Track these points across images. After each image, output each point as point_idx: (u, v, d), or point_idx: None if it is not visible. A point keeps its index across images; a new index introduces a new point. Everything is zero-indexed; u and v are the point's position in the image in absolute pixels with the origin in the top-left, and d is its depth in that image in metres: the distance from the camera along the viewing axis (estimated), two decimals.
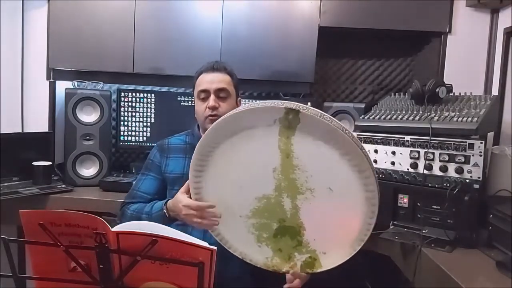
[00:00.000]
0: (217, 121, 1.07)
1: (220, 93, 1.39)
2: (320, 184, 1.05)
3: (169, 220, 1.27)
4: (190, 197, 1.20)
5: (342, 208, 1.05)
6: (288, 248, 1.14)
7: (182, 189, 1.23)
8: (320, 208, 1.06)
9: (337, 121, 0.99)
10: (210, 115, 1.36)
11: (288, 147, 1.02)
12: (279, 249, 1.15)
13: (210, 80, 1.40)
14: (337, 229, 1.08)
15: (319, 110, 0.98)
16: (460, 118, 1.38)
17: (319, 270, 1.14)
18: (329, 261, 1.12)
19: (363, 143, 1.55)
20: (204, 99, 1.39)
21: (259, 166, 1.07)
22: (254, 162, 1.07)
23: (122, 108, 2.14)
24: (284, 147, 1.02)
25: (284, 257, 1.16)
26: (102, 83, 2.12)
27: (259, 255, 1.18)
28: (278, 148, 1.02)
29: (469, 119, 1.36)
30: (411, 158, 1.44)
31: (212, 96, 1.38)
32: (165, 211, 1.28)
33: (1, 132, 1.94)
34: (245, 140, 1.05)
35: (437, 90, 1.49)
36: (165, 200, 1.31)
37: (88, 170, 2.00)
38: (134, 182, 1.52)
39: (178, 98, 2.15)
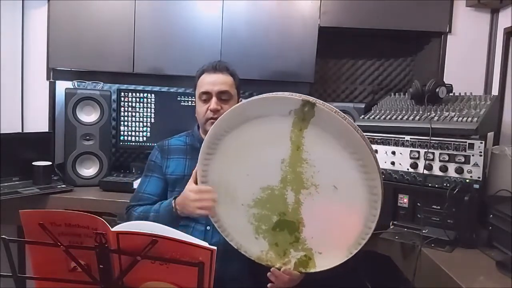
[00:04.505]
0: (234, 106, 1.08)
1: (222, 96, 1.38)
2: (326, 181, 1.04)
3: (176, 216, 1.25)
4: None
5: (344, 208, 1.05)
6: (285, 243, 1.14)
7: (191, 178, 1.23)
8: (322, 205, 1.06)
9: (350, 120, 0.99)
10: (212, 118, 1.36)
11: (300, 139, 1.02)
12: (276, 243, 1.15)
13: (212, 82, 1.38)
14: (336, 229, 1.08)
15: (334, 107, 0.98)
16: (460, 118, 1.38)
17: (312, 271, 1.13)
18: (323, 262, 1.12)
19: None
20: (206, 101, 1.39)
21: (268, 156, 1.07)
22: (263, 151, 1.08)
23: (122, 108, 2.14)
24: (296, 139, 1.03)
25: (279, 252, 1.16)
26: (102, 83, 2.12)
27: (255, 247, 1.18)
28: (289, 139, 1.03)
29: (469, 119, 1.36)
30: (411, 158, 1.44)
31: (214, 99, 1.37)
32: (173, 205, 1.27)
33: (1, 132, 1.94)
34: (258, 128, 1.05)
35: (437, 90, 1.49)
36: (174, 196, 1.30)
37: (88, 170, 2.00)
38: (137, 185, 1.51)
39: (178, 98, 2.15)
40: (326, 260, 1.11)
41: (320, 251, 1.12)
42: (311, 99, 0.98)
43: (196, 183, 1.20)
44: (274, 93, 1.03)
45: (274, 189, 1.10)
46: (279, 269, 1.15)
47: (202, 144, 1.14)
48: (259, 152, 1.08)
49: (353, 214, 1.04)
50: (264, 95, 1.04)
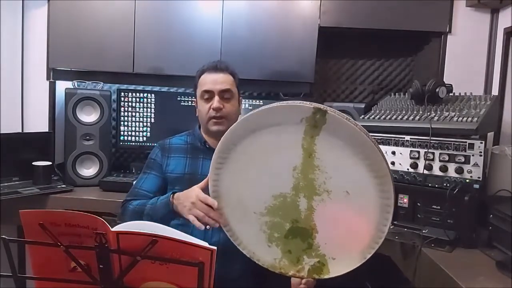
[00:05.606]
0: (245, 116, 1.07)
1: (224, 94, 1.39)
2: (338, 187, 1.05)
3: (170, 210, 1.24)
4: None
5: (357, 213, 1.05)
6: (298, 250, 1.13)
7: (201, 184, 1.20)
8: (335, 211, 1.06)
9: (361, 126, 1.00)
10: (214, 117, 1.36)
11: (311, 146, 1.03)
12: (289, 250, 1.14)
13: (214, 81, 1.39)
14: (349, 234, 1.07)
15: (345, 115, 1.00)
16: (460, 118, 1.38)
17: (326, 277, 1.13)
18: (337, 267, 1.11)
19: None
20: (208, 100, 1.39)
21: (280, 164, 1.07)
22: (275, 159, 1.08)
23: (122, 108, 2.14)
24: (307, 146, 1.03)
25: (292, 260, 1.15)
26: (102, 83, 2.12)
27: (268, 255, 1.17)
28: (301, 147, 1.03)
29: (469, 119, 1.36)
30: (411, 158, 1.44)
31: (217, 97, 1.37)
32: (170, 199, 1.25)
33: (1, 132, 1.94)
34: (269, 136, 1.06)
35: (437, 90, 1.49)
36: (173, 191, 1.29)
37: (88, 170, 2.00)
38: (135, 181, 1.52)
39: (178, 98, 2.15)
40: (340, 266, 1.10)
41: (333, 256, 1.11)
42: (322, 106, 0.98)
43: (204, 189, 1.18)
44: (285, 101, 1.04)
45: (286, 197, 1.10)
46: (292, 276, 1.16)
47: (214, 153, 1.13)
48: (271, 160, 1.08)
49: (365, 219, 1.04)
50: (275, 104, 1.04)
